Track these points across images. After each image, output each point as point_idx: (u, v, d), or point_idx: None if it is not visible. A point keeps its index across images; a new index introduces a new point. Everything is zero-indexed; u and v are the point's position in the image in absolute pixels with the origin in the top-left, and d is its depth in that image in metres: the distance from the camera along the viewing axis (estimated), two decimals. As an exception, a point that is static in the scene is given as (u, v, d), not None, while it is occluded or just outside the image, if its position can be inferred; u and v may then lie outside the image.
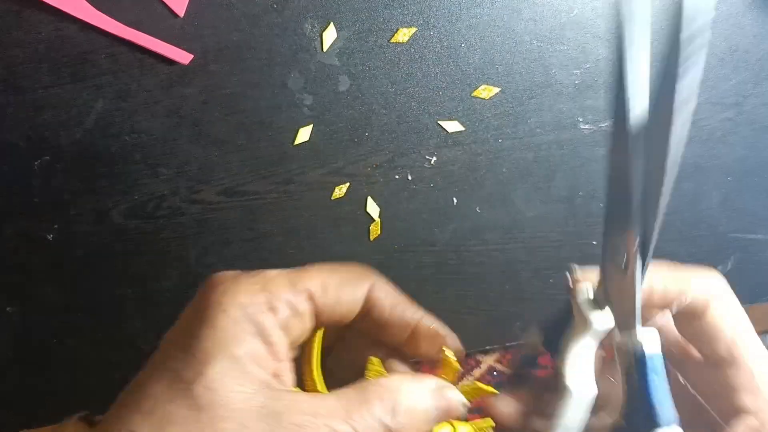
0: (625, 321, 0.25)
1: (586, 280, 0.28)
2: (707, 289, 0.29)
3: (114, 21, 0.42)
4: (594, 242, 0.51)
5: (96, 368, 0.52)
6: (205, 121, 0.45)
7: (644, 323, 0.28)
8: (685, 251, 0.53)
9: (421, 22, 0.43)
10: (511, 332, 0.54)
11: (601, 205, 0.50)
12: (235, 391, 0.21)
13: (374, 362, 0.27)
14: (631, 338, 0.25)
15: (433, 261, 0.51)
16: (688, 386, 0.29)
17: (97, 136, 0.45)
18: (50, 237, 0.47)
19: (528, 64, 0.45)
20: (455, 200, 0.49)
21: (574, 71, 0.45)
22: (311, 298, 0.25)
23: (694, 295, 0.29)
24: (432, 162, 0.47)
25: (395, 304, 0.27)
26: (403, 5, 0.43)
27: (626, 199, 0.24)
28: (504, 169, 0.48)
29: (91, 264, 0.48)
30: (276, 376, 0.23)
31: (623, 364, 0.25)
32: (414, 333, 0.28)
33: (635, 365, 0.25)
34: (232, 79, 0.44)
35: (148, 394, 0.22)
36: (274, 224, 0.48)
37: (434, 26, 0.43)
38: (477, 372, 0.54)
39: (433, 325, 0.28)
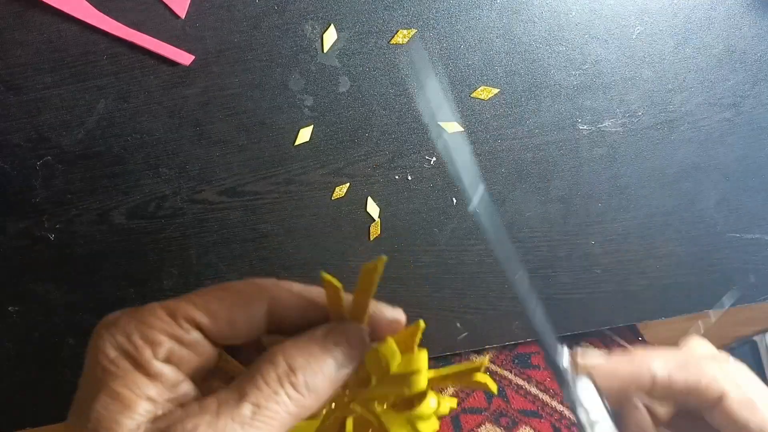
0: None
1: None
2: (721, 380, 0.28)
3: (115, 22, 0.42)
4: (593, 242, 0.52)
5: (97, 367, 0.52)
6: (207, 122, 0.45)
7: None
8: (684, 251, 0.53)
9: (421, 23, 0.44)
10: (510, 331, 0.54)
11: (600, 204, 0.50)
12: (120, 423, 0.22)
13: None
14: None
15: (433, 261, 0.51)
16: None
17: (98, 137, 0.45)
18: (52, 237, 0.48)
19: (527, 66, 0.45)
20: (455, 200, 0.49)
21: (573, 72, 0.46)
22: (199, 327, 0.25)
23: (707, 387, 0.28)
24: (432, 162, 0.48)
25: (300, 306, 0.26)
26: (403, 7, 0.43)
27: None
28: (503, 170, 0.48)
29: (92, 264, 0.49)
30: (177, 402, 0.23)
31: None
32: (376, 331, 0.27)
33: None
34: (233, 80, 0.44)
35: None
36: (275, 224, 0.49)
37: (434, 28, 0.44)
38: None
39: (387, 312, 0.28)
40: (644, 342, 0.64)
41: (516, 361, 0.56)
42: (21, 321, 0.50)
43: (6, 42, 0.42)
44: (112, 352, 0.23)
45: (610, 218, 0.51)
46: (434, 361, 0.57)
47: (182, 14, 0.42)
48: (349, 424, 0.29)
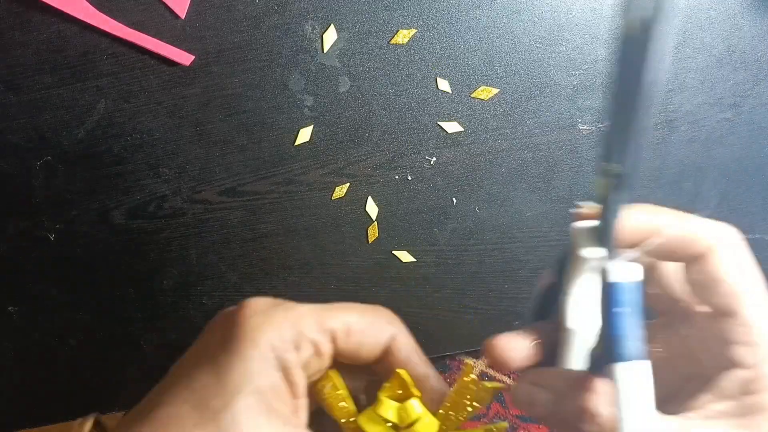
0: (610, 251, 0.24)
1: (589, 215, 0.26)
2: (715, 234, 0.27)
3: (115, 22, 0.42)
4: (593, 242, 0.51)
5: (97, 367, 0.52)
6: (207, 122, 0.45)
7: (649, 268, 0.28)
8: (684, 251, 0.53)
9: (421, 23, 0.44)
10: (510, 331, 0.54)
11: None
12: (259, 426, 0.22)
13: (332, 375, 0.27)
14: (603, 265, 0.23)
15: (433, 261, 0.51)
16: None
17: (98, 137, 0.45)
18: (52, 237, 0.48)
19: (527, 66, 0.45)
20: (455, 200, 0.49)
21: (573, 72, 0.46)
22: (334, 339, 0.25)
23: (699, 238, 0.27)
24: (432, 162, 0.48)
25: (410, 357, 0.28)
26: (403, 7, 0.43)
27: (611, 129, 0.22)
28: (503, 170, 0.48)
29: (92, 264, 0.49)
30: (294, 413, 0.24)
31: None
32: (420, 386, 0.28)
33: (604, 293, 0.23)
34: (233, 80, 0.44)
35: (171, 413, 0.22)
36: (275, 224, 0.49)
37: (434, 28, 0.44)
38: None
39: (438, 385, 0.29)
40: None
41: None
42: (21, 321, 0.50)
43: (6, 42, 0.42)
44: (266, 348, 0.23)
45: (610, 218, 0.51)
46: (433, 361, 0.57)
47: (182, 14, 0.42)
48: None
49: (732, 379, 0.24)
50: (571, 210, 0.27)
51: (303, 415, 0.25)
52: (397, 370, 0.27)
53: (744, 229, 0.52)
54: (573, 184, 0.49)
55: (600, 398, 0.23)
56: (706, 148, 0.49)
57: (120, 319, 0.51)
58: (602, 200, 0.24)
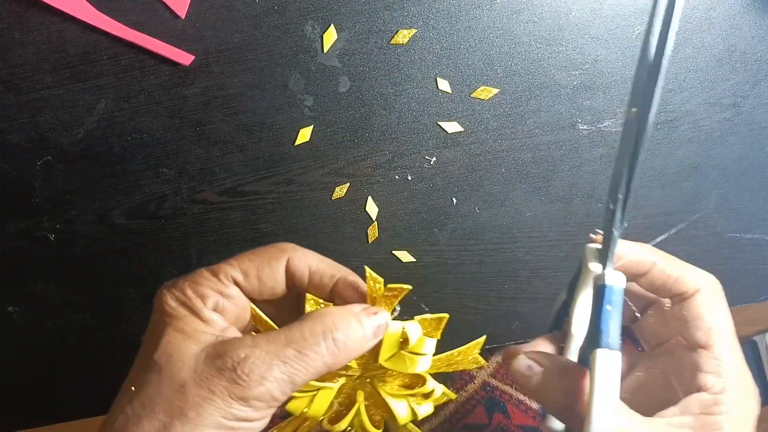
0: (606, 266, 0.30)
1: (598, 240, 0.32)
2: (701, 279, 0.33)
3: (115, 22, 0.42)
4: (593, 242, 0.52)
5: (97, 367, 0.52)
6: (207, 122, 0.45)
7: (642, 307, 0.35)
8: (684, 251, 0.53)
9: (421, 23, 0.44)
10: (510, 332, 0.54)
11: (600, 204, 0.50)
12: (184, 349, 0.28)
13: (310, 298, 0.31)
14: (600, 273, 0.29)
15: (433, 261, 0.51)
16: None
17: (98, 137, 0.45)
18: (52, 237, 0.48)
19: (527, 66, 0.45)
20: (455, 200, 0.49)
21: (573, 72, 0.46)
22: (236, 283, 0.31)
23: (688, 280, 0.33)
24: (432, 162, 0.48)
25: (314, 268, 0.33)
26: (403, 7, 0.43)
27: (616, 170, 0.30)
28: (503, 170, 0.48)
29: (92, 264, 0.49)
30: (223, 336, 0.29)
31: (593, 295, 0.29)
32: (336, 288, 0.33)
33: (596, 294, 0.29)
34: (233, 80, 0.44)
35: (130, 377, 0.29)
36: (275, 224, 0.49)
37: (434, 28, 0.44)
38: (470, 387, 0.54)
39: (351, 277, 0.33)
40: None
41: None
42: (21, 321, 0.50)
43: (6, 42, 0.42)
44: (173, 303, 0.29)
45: (610, 218, 0.51)
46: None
47: (182, 14, 0.42)
48: (360, 395, 0.35)
49: (697, 399, 0.29)
50: (590, 235, 0.33)
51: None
52: (307, 297, 0.31)
53: (744, 229, 0.52)
54: (573, 184, 0.49)
55: (578, 383, 0.29)
56: (706, 148, 0.49)
57: (120, 319, 0.51)
58: (605, 229, 0.31)
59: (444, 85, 0.45)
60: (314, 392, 0.33)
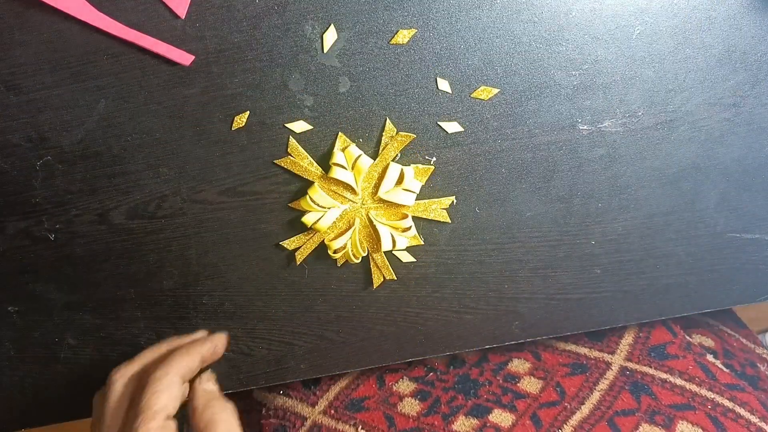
0: None
1: None
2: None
3: (115, 22, 0.42)
4: (593, 242, 0.52)
5: (98, 367, 0.52)
6: (207, 122, 0.45)
7: None
8: (684, 251, 0.53)
9: (421, 23, 0.44)
10: (510, 332, 0.55)
11: (600, 204, 0.50)
12: None
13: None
14: None
15: (433, 261, 0.51)
16: None
17: (98, 137, 0.45)
18: (52, 237, 0.48)
19: (527, 66, 0.45)
20: (454, 200, 0.49)
21: (573, 72, 0.46)
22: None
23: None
24: (432, 162, 0.48)
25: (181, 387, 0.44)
26: (404, 7, 0.43)
27: None
28: (503, 170, 0.48)
29: (92, 264, 0.49)
30: None
31: None
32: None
33: None
34: (233, 80, 0.44)
35: None
36: (275, 224, 0.49)
37: (434, 28, 0.44)
38: (609, 374, 0.55)
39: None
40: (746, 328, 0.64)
41: (652, 354, 0.55)
42: (21, 321, 0.50)
43: (6, 42, 0.42)
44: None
45: (610, 218, 0.51)
46: (486, 377, 0.57)
47: (182, 14, 0.42)
48: (357, 222, 0.48)
49: None
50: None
51: None
52: None
53: (744, 229, 0.52)
54: (573, 184, 0.49)
55: None
56: (705, 148, 0.49)
57: (120, 319, 0.51)
58: None
59: (444, 85, 0.45)
60: (326, 210, 0.46)
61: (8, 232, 0.47)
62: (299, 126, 0.45)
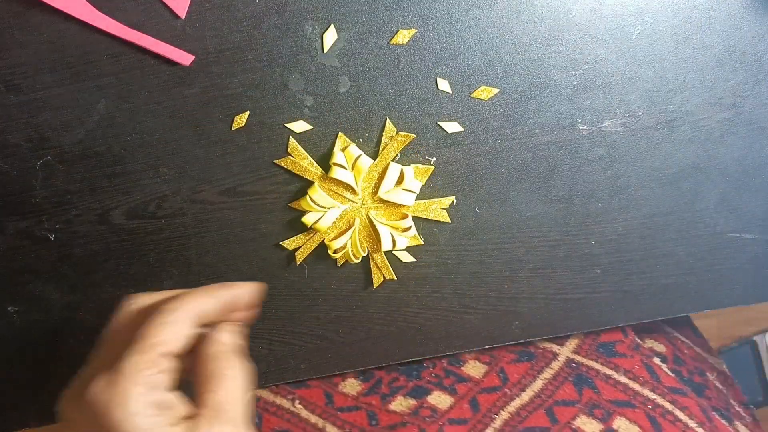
0: None
1: None
2: None
3: (115, 22, 0.42)
4: (593, 242, 0.52)
5: (97, 367, 0.52)
6: (207, 122, 0.45)
7: None
8: (684, 251, 0.53)
9: (421, 23, 0.44)
10: (510, 331, 0.55)
11: (600, 204, 0.50)
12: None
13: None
14: None
15: (433, 261, 0.51)
16: None
17: (98, 137, 0.45)
18: (52, 237, 0.48)
19: (527, 66, 0.45)
20: (455, 200, 0.49)
21: (573, 72, 0.46)
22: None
23: None
24: (432, 162, 0.48)
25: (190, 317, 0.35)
26: (404, 7, 0.43)
27: None
28: (503, 170, 0.48)
29: (92, 264, 0.49)
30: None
31: None
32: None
33: None
34: (233, 80, 0.44)
35: None
36: (275, 224, 0.49)
37: (434, 28, 0.44)
38: (555, 364, 0.55)
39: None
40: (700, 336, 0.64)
41: (600, 350, 0.55)
42: (21, 321, 0.50)
43: (6, 42, 0.42)
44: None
45: (610, 218, 0.51)
46: (432, 361, 0.57)
47: (182, 14, 0.42)
48: (358, 222, 0.48)
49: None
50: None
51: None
52: None
53: (744, 229, 0.52)
54: (573, 184, 0.49)
55: None
56: (705, 148, 0.49)
57: (120, 319, 0.51)
58: None
59: (444, 85, 0.45)
60: (326, 210, 0.46)
61: (8, 232, 0.47)
62: (299, 126, 0.46)
